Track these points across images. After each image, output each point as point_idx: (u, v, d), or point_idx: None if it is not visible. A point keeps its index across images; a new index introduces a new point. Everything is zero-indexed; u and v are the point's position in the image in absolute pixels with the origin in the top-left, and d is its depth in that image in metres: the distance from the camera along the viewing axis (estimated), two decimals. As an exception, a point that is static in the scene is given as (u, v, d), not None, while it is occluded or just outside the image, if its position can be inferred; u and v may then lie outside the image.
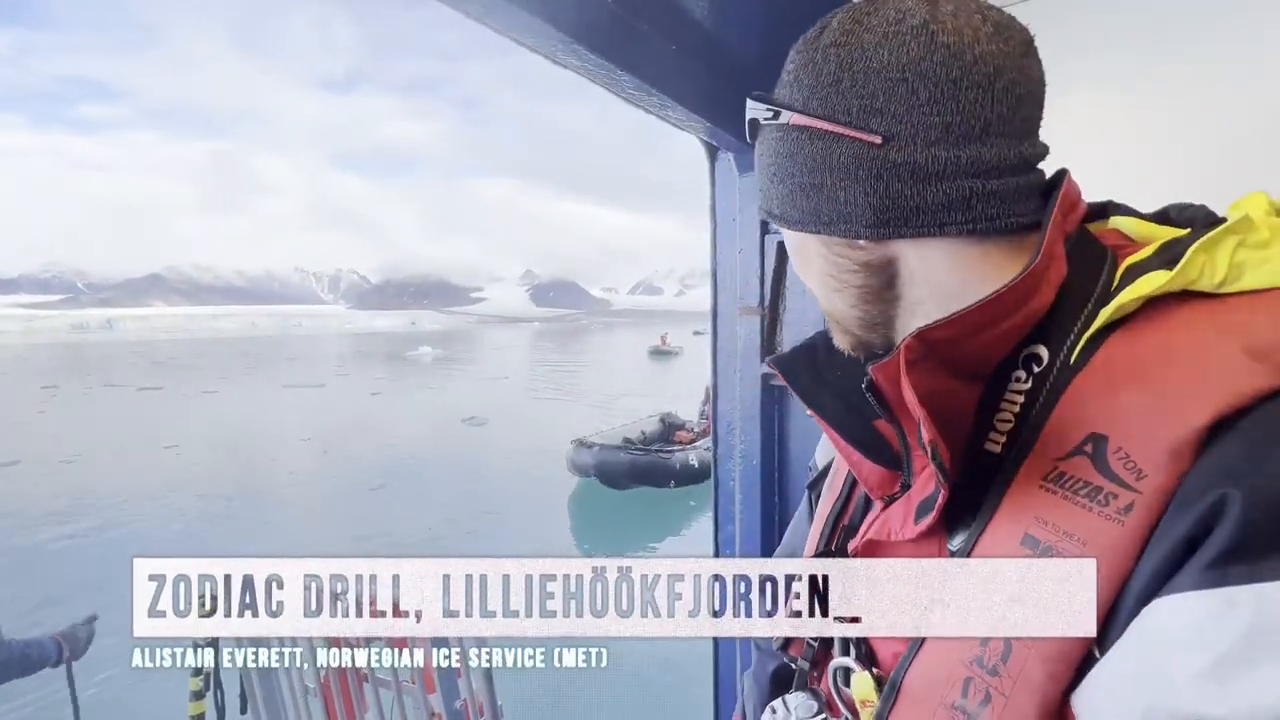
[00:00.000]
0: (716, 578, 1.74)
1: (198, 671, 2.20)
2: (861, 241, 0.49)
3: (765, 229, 1.49)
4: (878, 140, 0.45)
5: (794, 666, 0.63)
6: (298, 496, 11.79)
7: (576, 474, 11.06)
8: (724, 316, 1.61)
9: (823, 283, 0.54)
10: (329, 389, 27.48)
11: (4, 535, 9.49)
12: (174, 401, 23.60)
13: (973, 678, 0.41)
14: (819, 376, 0.58)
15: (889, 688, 0.47)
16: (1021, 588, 0.40)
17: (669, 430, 14.03)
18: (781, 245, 1.47)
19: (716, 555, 1.69)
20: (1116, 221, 0.51)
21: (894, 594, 0.49)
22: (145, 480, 12.28)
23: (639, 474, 10.72)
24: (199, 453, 14.76)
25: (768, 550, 1.59)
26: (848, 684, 0.55)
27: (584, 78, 1.13)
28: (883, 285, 0.50)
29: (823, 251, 0.52)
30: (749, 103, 0.54)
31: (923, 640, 0.46)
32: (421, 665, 1.87)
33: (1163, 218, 0.49)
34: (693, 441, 12.64)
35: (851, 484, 0.63)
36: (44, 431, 17.54)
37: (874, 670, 0.52)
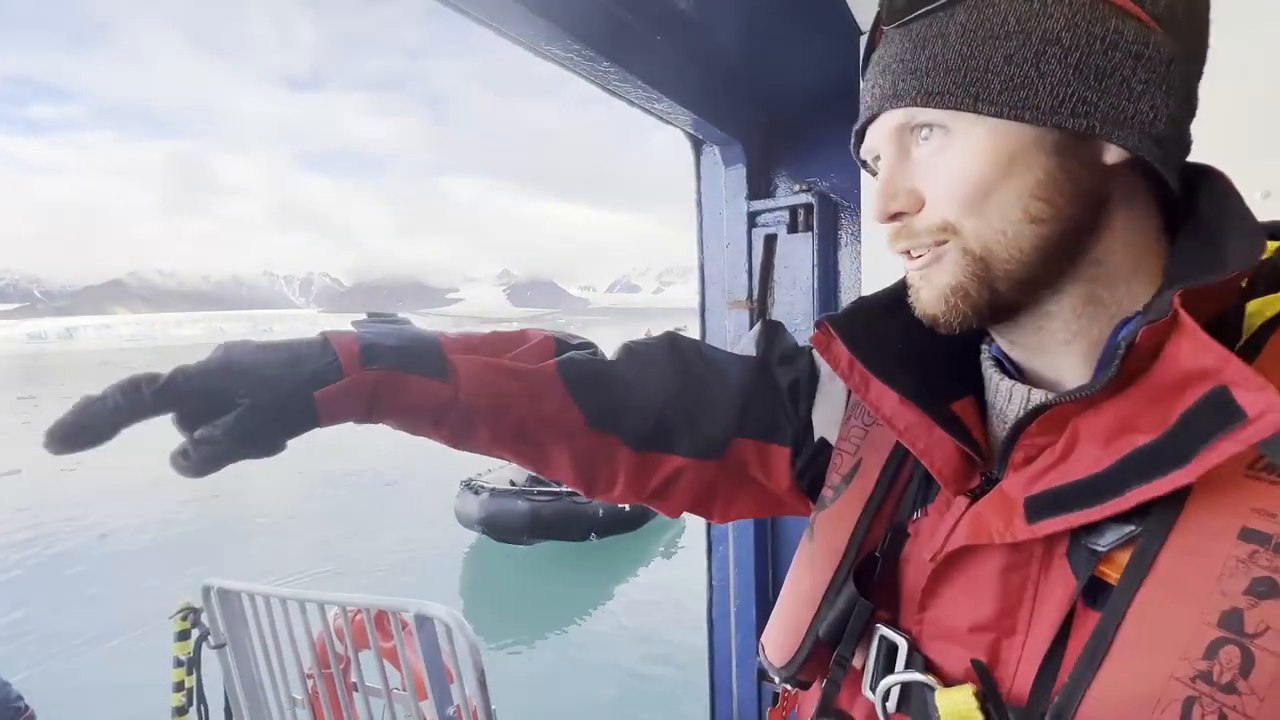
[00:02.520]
0: (712, 580, 1.70)
1: (179, 687, 2.14)
2: (1111, 160, 0.40)
3: (752, 221, 1.48)
4: (1180, 48, 0.39)
5: (808, 688, 0.54)
6: (318, 494, 11.80)
7: (464, 526, 8.32)
8: (712, 310, 1.60)
9: (1024, 208, 0.41)
10: None
11: (33, 542, 9.45)
12: None
13: (1198, 697, 0.34)
14: (882, 345, 0.49)
15: (1054, 718, 0.38)
16: (1259, 587, 0.33)
17: None
18: (769, 238, 1.46)
19: (709, 552, 1.69)
20: None
21: (989, 601, 0.43)
22: (159, 486, 12.11)
23: (544, 526, 7.94)
24: None
25: (759, 545, 1.59)
26: (888, 700, 0.46)
27: (567, 69, 1.12)
28: (1088, 227, 0.42)
29: (1048, 165, 0.41)
30: None
31: (1103, 657, 0.37)
32: (412, 672, 1.84)
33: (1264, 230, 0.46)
34: None
35: (891, 477, 0.54)
36: (35, 441, 17.56)
37: (991, 686, 0.42)
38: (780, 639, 0.55)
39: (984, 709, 0.41)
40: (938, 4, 0.42)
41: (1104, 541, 0.39)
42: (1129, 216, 0.42)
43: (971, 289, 0.43)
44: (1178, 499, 0.37)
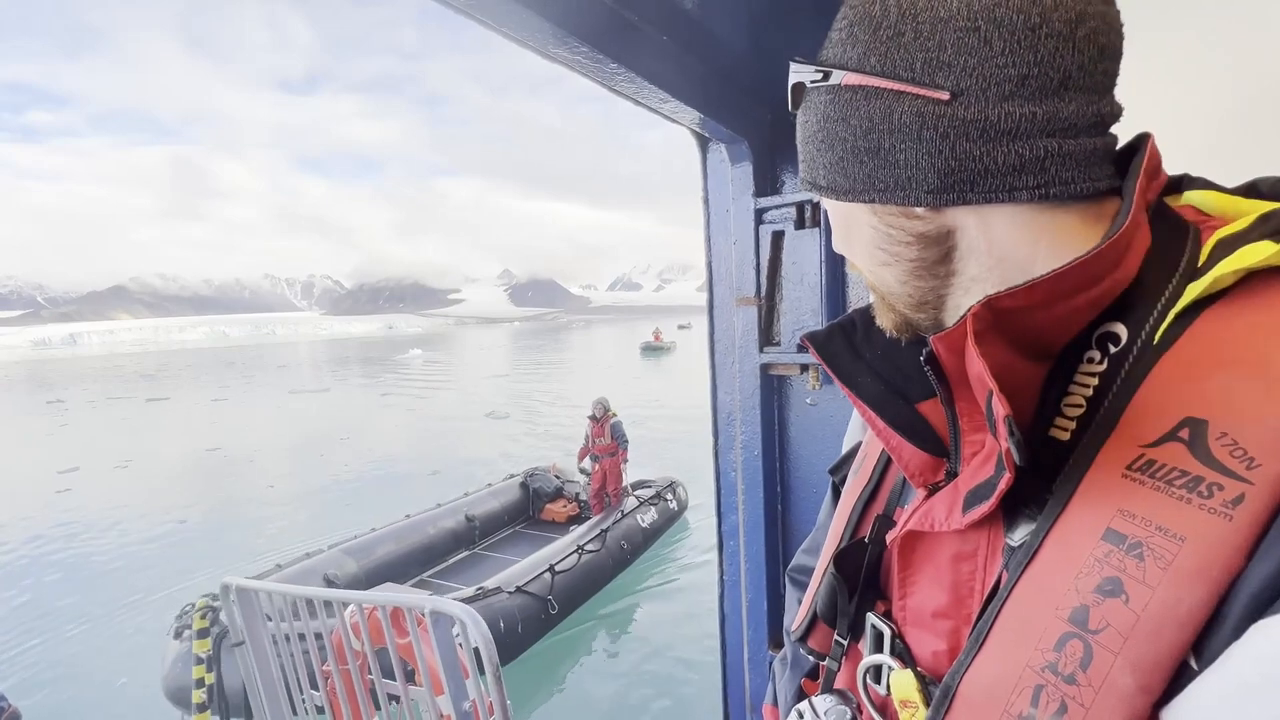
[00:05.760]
0: (724, 575, 1.72)
1: (200, 684, 2.17)
2: (920, 210, 0.45)
3: (759, 218, 1.49)
4: (945, 96, 0.41)
5: (821, 664, 0.60)
6: (365, 484, 12.12)
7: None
8: (720, 307, 1.61)
9: (870, 256, 0.49)
10: (335, 393, 28.06)
11: (119, 531, 9.90)
12: (188, 410, 23.96)
13: (1045, 685, 0.36)
14: (856, 355, 0.54)
15: (941, 693, 0.42)
16: (1106, 586, 0.35)
17: (534, 501, 8.49)
18: (777, 235, 1.48)
19: (720, 547, 1.70)
20: (1190, 197, 0.46)
21: (944, 589, 0.47)
22: (215, 480, 12.75)
23: None
24: (245, 454, 15.11)
25: (770, 539, 1.60)
26: (878, 682, 0.52)
27: (574, 71, 1.13)
28: (938, 259, 0.46)
29: (873, 223, 0.48)
30: (793, 66, 0.49)
31: (983, 641, 0.41)
32: (428, 668, 1.86)
33: (1252, 190, 0.44)
34: (573, 519, 8.13)
35: (883, 469, 0.60)
36: (80, 441, 17.95)
37: (918, 669, 0.48)
38: (800, 610, 0.63)
39: (922, 688, 0.47)
40: (792, 109, 0.51)
41: (1016, 537, 0.42)
42: (992, 233, 0.44)
43: (882, 309, 0.52)
44: (1065, 496, 0.39)
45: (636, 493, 8.24)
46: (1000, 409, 0.37)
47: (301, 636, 2.08)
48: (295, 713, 2.16)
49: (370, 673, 2.01)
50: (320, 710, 2.15)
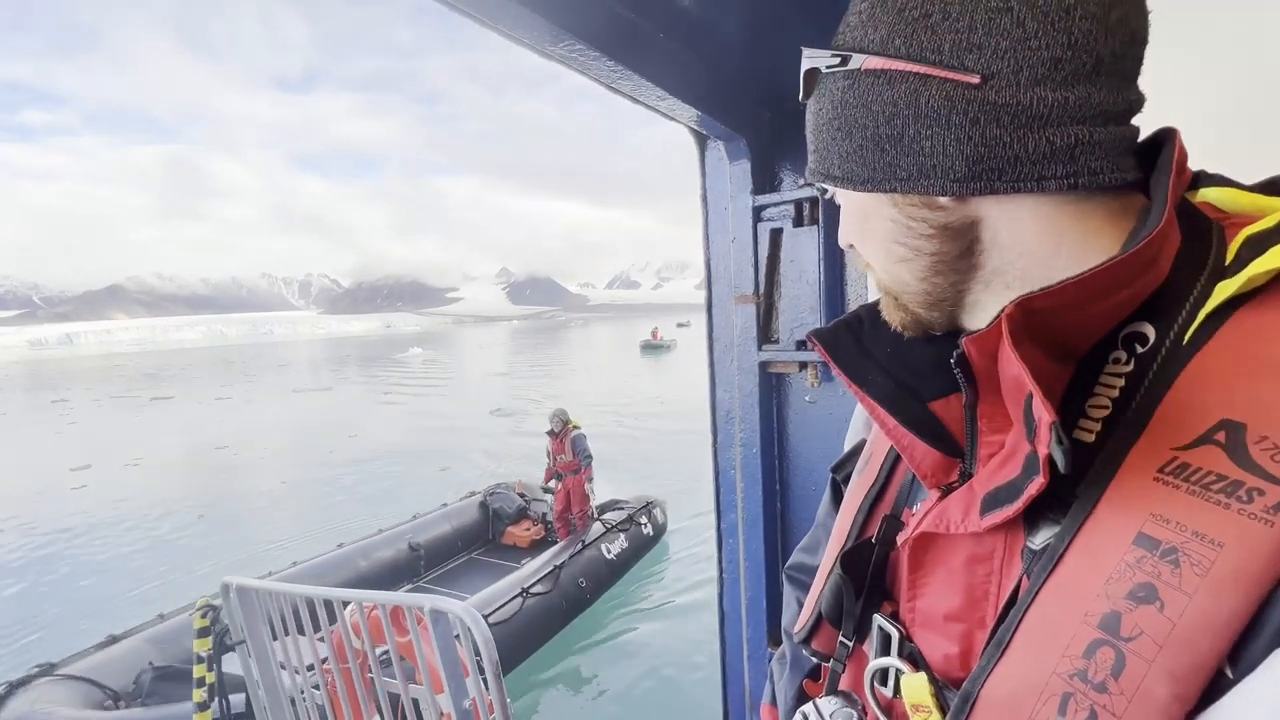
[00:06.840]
0: (723, 572, 1.73)
1: (200, 683, 2.17)
2: (944, 200, 0.43)
3: (758, 216, 1.49)
4: (975, 79, 0.40)
5: (824, 665, 0.59)
6: (375, 480, 12.28)
7: None
8: (719, 305, 1.61)
9: (887, 252, 0.47)
10: (337, 392, 28.33)
11: (131, 527, 10.16)
12: (193, 409, 24.06)
13: (1073, 693, 0.35)
14: (865, 352, 0.52)
15: (961, 699, 0.41)
16: (1139, 592, 0.34)
17: (494, 522, 7.50)
18: (775, 233, 1.48)
19: (719, 544, 1.71)
20: (1207, 194, 0.44)
21: (957, 592, 0.45)
22: (226, 477, 12.97)
23: None
24: (253, 451, 15.27)
25: (770, 537, 1.61)
26: (885, 685, 0.50)
27: (572, 69, 1.13)
28: (959, 253, 0.45)
29: (892, 215, 0.46)
30: (806, 51, 0.47)
31: (1005, 647, 0.39)
32: (428, 666, 1.87)
33: (1272, 188, 0.43)
34: (537, 543, 7.19)
35: (890, 469, 0.58)
36: (89, 439, 18.15)
37: (931, 674, 0.46)
38: (804, 611, 0.62)
39: (936, 692, 0.45)
40: (804, 97, 0.49)
41: (1037, 540, 0.41)
42: (1017, 226, 0.43)
43: (892, 309, 0.51)
44: (1091, 500, 0.38)
45: (605, 516, 7.22)
46: (1045, 415, 0.36)
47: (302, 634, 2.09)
48: (295, 712, 2.16)
49: (370, 671, 2.01)
50: (320, 710, 2.16)
